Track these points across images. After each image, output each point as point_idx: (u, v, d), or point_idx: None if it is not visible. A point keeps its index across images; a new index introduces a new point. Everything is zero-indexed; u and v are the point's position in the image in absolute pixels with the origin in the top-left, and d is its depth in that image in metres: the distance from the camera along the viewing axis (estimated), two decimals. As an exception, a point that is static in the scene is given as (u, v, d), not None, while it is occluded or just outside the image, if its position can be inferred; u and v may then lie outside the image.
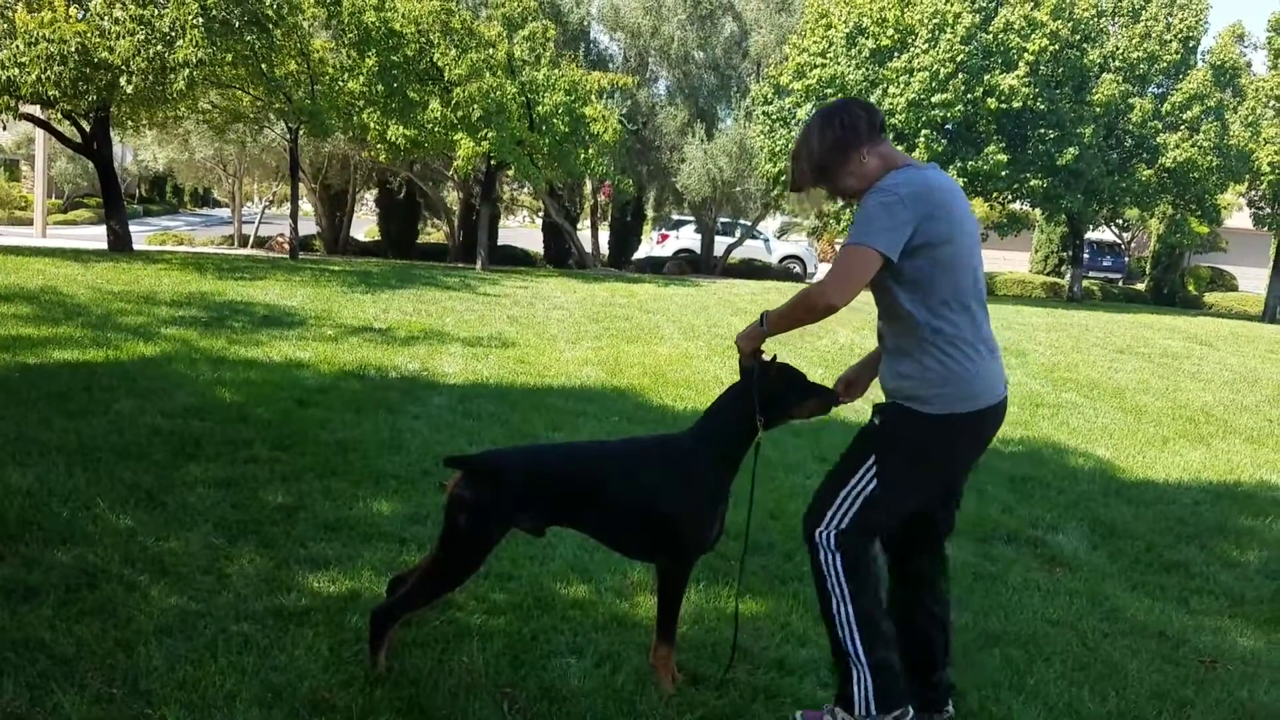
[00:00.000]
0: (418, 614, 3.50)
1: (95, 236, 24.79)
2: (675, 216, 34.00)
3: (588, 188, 31.21)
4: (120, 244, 18.69)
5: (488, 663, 3.42)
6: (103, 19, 15.22)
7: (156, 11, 15.19)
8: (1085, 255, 38.44)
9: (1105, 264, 39.34)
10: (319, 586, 3.95)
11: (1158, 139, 25.78)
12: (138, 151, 35.69)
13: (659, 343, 11.97)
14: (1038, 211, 28.97)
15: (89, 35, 15.13)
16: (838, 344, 13.43)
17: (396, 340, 10.46)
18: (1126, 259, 40.29)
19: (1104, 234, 39.08)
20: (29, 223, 33.19)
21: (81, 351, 8.25)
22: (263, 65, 18.68)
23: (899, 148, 15.26)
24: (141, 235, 31.07)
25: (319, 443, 5.98)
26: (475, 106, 20.32)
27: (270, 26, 17.08)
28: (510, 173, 24.13)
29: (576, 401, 8.05)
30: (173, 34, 15.10)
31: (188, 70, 14.99)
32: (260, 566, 4.10)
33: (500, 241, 31.36)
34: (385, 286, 15.83)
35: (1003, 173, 24.41)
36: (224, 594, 3.81)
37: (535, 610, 3.91)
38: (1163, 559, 5.31)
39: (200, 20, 14.98)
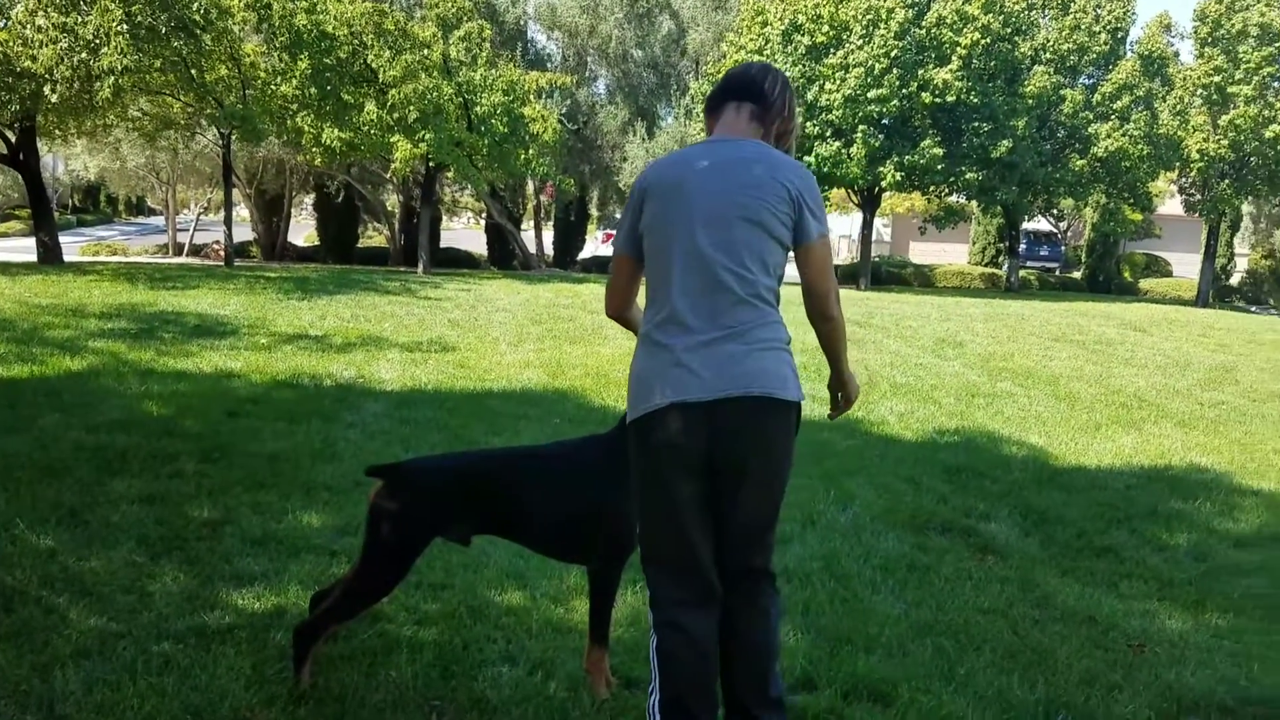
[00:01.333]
0: (343, 628, 3.44)
1: (27, 248, 24.21)
2: (620, 216, 34.04)
3: (530, 188, 31.09)
4: (50, 256, 18.28)
5: (417, 675, 3.37)
6: (25, 27, 14.85)
7: (80, 19, 14.83)
8: (1022, 245, 38.99)
9: (1043, 254, 39.96)
10: (243, 603, 3.87)
11: (1089, 129, 26.26)
12: (68, 161, 34.94)
13: (602, 343, 11.94)
14: (974, 204, 29.38)
15: (10, 44, 14.75)
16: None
17: (332, 347, 10.33)
18: (1063, 248, 40.96)
19: (1041, 224, 39.71)
20: (-44, 236, 32.38)
21: (5, 368, 8.04)
22: (192, 71, 18.35)
23: (834, 144, 15.31)
24: (75, 246, 30.45)
25: (248, 455, 5.87)
26: (411, 108, 20.16)
27: (198, 32, 16.76)
28: (450, 174, 23.97)
29: (517, 404, 8.01)
30: (97, 41, 14.77)
31: (113, 78, 14.67)
32: (184, 584, 4.02)
33: (444, 244, 31.19)
34: (322, 292, 15.63)
35: (939, 166, 24.71)
36: (145, 614, 3.72)
37: (468, 619, 3.86)
38: (1093, 544, 5.38)
39: (125, 27, 14.67)
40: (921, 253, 42.07)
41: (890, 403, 9.21)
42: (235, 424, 6.64)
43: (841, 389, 3.10)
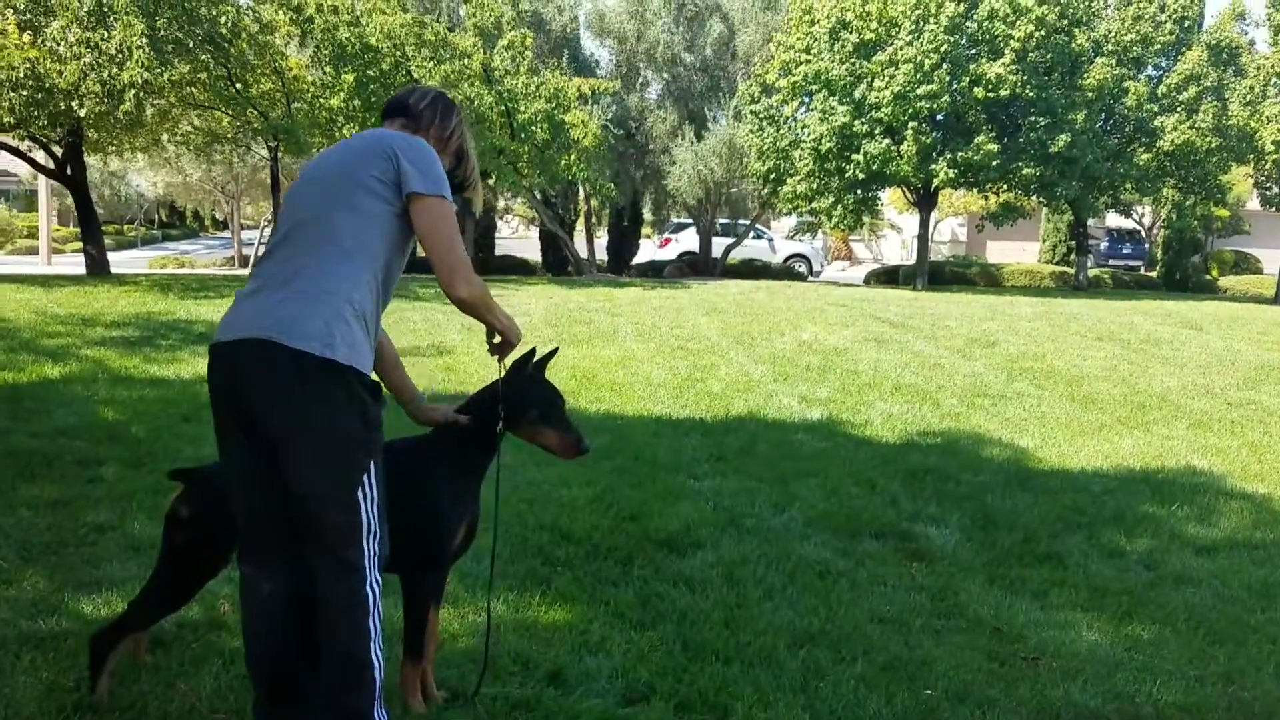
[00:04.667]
0: (137, 635, 3.31)
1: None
2: (676, 220, 33.77)
3: (581, 195, 31.03)
4: (97, 268, 18.73)
5: (220, 687, 3.23)
6: (59, 44, 15.20)
7: (105, 35, 15.12)
8: (1104, 244, 37.63)
9: (1125, 251, 38.57)
10: (90, 610, 3.78)
11: (1155, 122, 25.29)
12: (138, 176, 35.94)
13: (606, 345, 11.75)
14: (1034, 200, 28.44)
15: (41, 60, 15.10)
16: (800, 339, 13.18)
17: (326, 353, 10.28)
18: (1148, 246, 39.43)
19: (1126, 222, 38.36)
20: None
21: (-18, 375, 8.15)
22: (236, 85, 18.63)
23: (883, 142, 15.55)
24: (145, 259, 31.26)
25: (179, 460, 5.79)
26: (451, 117, 20.22)
27: (226, 45, 16.96)
28: (492, 181, 24.03)
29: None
30: (120, 56, 15.04)
31: (133, 91, 14.93)
32: (40, 590, 3.95)
33: (500, 251, 31.33)
34: (349, 300, 15.67)
35: (994, 162, 24.00)
36: (-14, 620, 3.66)
37: (313, 626, 3.72)
38: (1037, 551, 5.03)
39: (145, 40, 14.90)
40: (1000, 252, 40.91)
41: (885, 404, 8.87)
42: (183, 430, 6.60)
43: (500, 334, 3.10)
